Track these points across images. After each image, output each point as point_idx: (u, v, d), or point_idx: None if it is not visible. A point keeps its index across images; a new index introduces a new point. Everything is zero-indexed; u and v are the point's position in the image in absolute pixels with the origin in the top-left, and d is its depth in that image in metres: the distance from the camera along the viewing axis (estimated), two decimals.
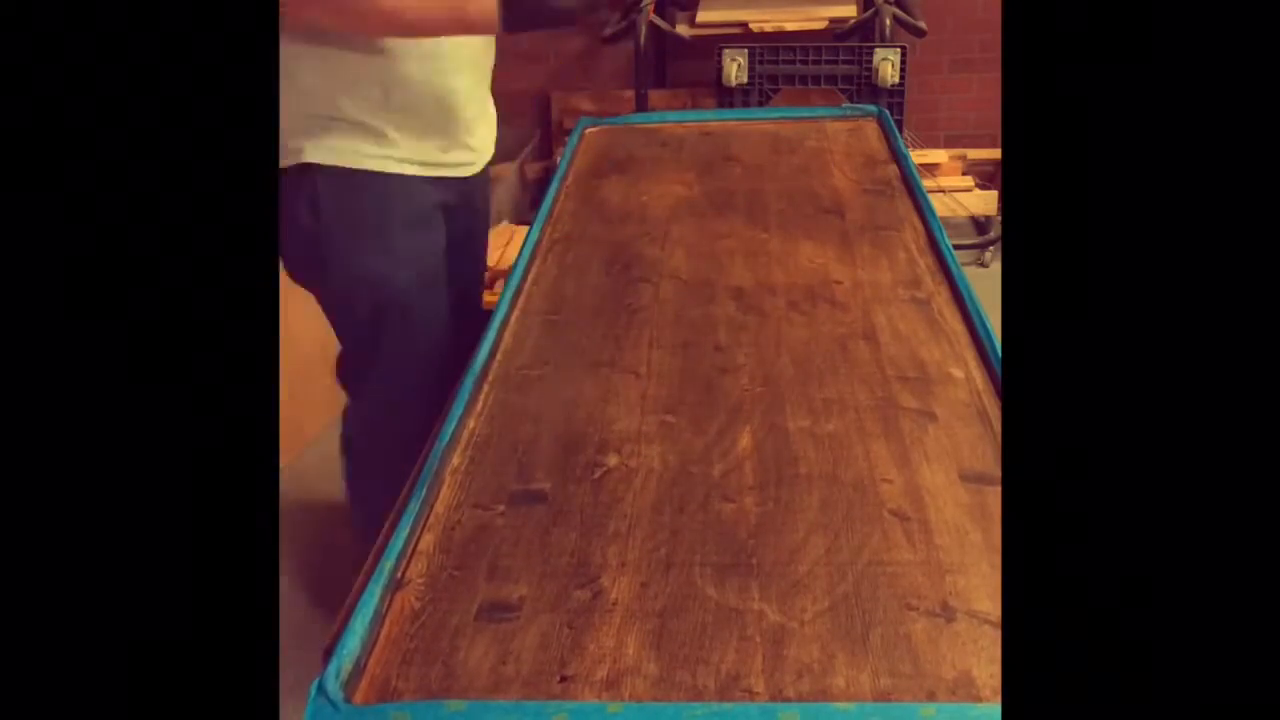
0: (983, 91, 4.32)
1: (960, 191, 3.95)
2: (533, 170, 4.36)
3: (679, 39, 3.88)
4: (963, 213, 3.97)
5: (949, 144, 4.28)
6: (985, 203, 3.97)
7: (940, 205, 3.85)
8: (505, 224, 3.47)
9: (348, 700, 0.91)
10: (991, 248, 3.90)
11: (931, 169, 3.98)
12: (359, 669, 0.95)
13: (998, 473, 1.19)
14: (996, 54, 4.27)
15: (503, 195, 4.11)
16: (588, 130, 2.39)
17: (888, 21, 3.54)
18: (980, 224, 4.03)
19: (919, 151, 4.02)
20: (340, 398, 2.03)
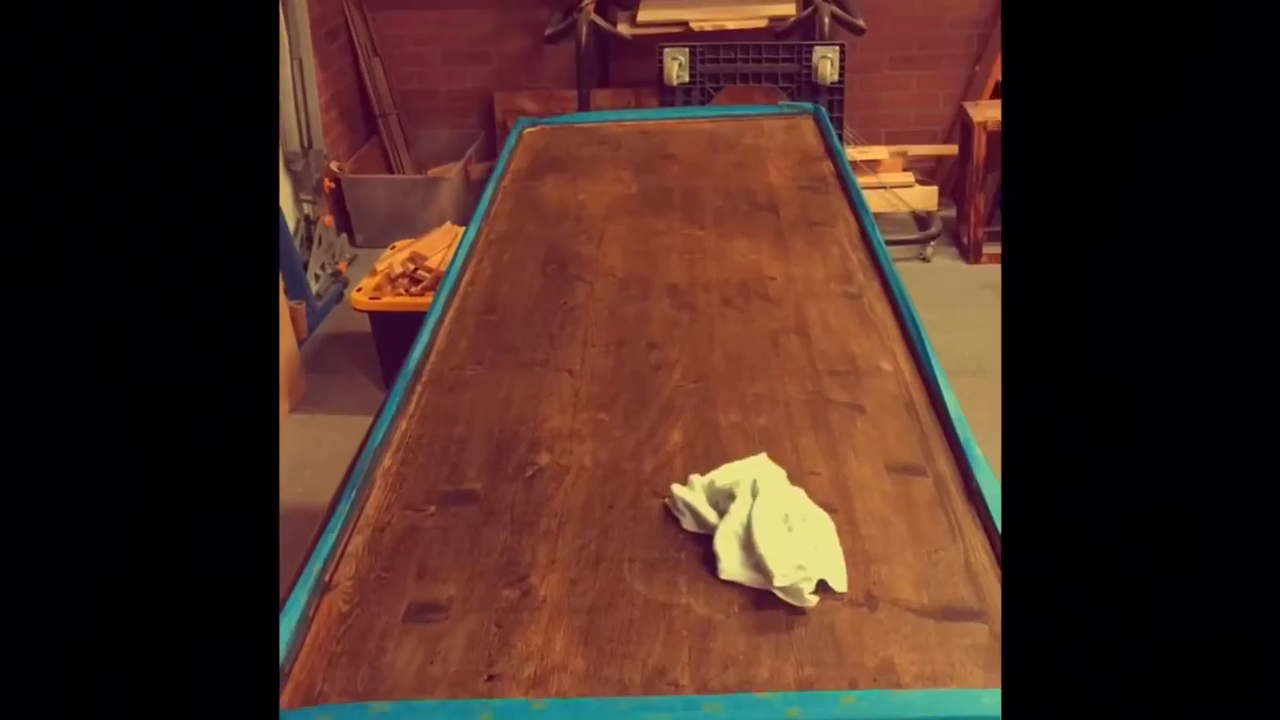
0: (923, 88, 4.37)
1: (901, 187, 4.00)
2: (477, 171, 4.34)
3: (621, 38, 3.88)
4: (904, 208, 4.02)
5: (890, 140, 4.33)
6: (926, 198, 4.02)
7: (882, 201, 3.89)
8: (449, 225, 3.45)
9: None
10: (933, 243, 3.94)
11: (873, 165, 4.02)
12: (284, 674, 0.94)
13: (923, 463, 1.20)
14: (935, 51, 4.32)
15: (447, 196, 4.09)
16: (526, 130, 2.39)
17: (826, 20, 3.57)
18: (922, 219, 4.07)
19: (860, 148, 4.05)
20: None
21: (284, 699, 0.92)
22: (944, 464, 1.20)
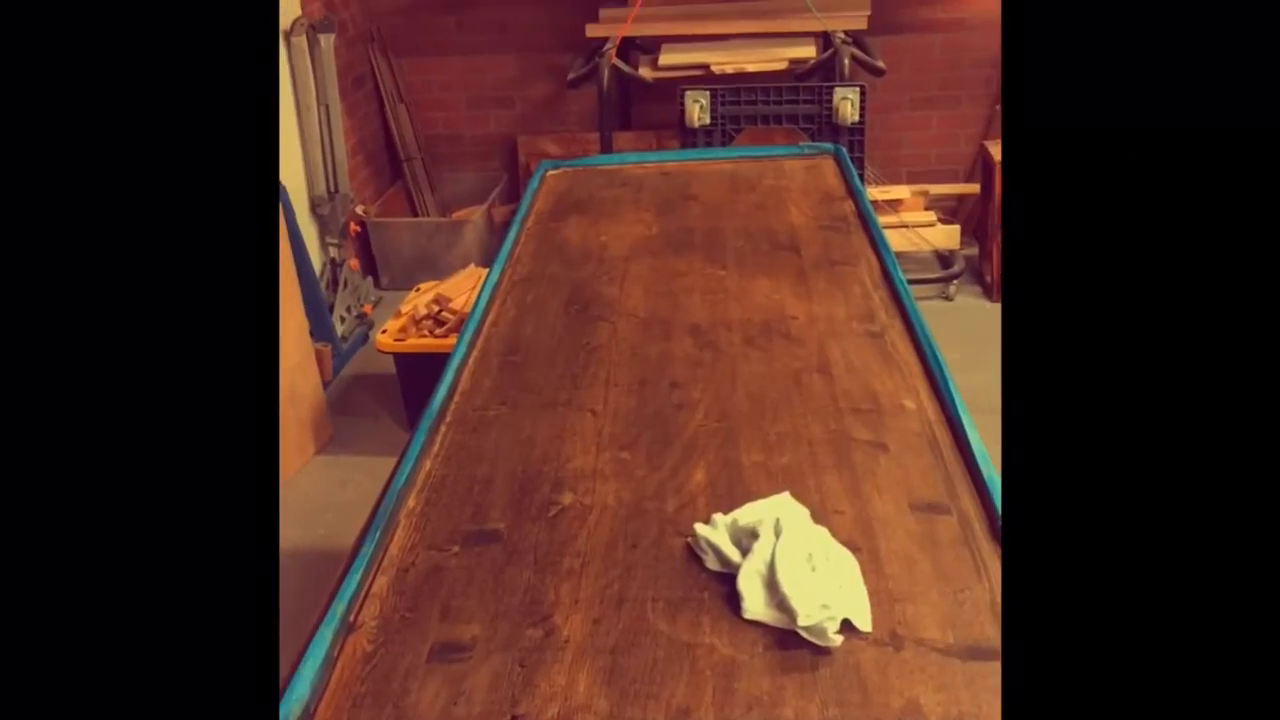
0: (943, 128, 4.39)
1: (923, 226, 4.00)
2: (500, 214, 4.38)
3: (642, 82, 3.93)
4: (926, 247, 4.02)
5: (911, 180, 4.34)
6: (948, 237, 4.02)
7: (904, 240, 3.90)
8: (473, 266, 3.48)
9: None
10: (955, 281, 3.94)
11: (894, 204, 4.03)
12: (308, 714, 0.95)
13: (947, 502, 1.20)
14: (955, 92, 4.34)
15: (471, 238, 4.13)
16: (549, 172, 2.42)
17: (846, 62, 3.60)
18: (944, 258, 4.07)
19: (882, 187, 4.07)
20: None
21: None
22: (968, 502, 1.20)
